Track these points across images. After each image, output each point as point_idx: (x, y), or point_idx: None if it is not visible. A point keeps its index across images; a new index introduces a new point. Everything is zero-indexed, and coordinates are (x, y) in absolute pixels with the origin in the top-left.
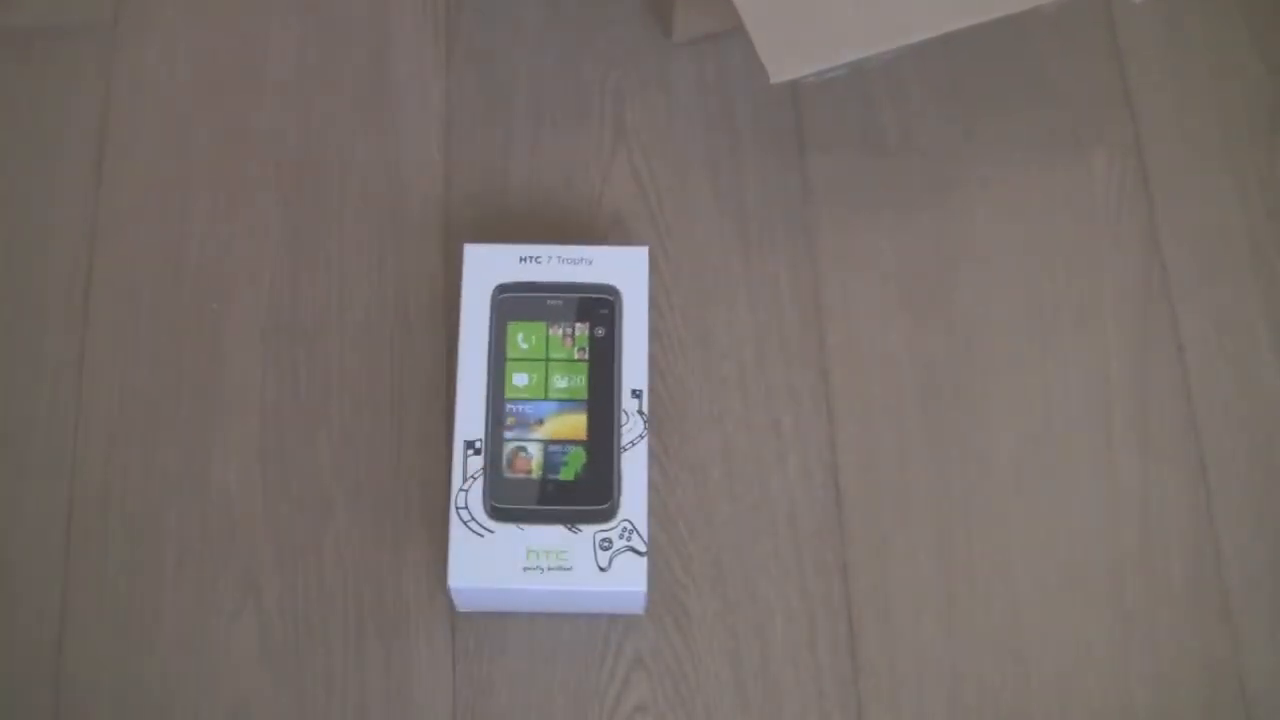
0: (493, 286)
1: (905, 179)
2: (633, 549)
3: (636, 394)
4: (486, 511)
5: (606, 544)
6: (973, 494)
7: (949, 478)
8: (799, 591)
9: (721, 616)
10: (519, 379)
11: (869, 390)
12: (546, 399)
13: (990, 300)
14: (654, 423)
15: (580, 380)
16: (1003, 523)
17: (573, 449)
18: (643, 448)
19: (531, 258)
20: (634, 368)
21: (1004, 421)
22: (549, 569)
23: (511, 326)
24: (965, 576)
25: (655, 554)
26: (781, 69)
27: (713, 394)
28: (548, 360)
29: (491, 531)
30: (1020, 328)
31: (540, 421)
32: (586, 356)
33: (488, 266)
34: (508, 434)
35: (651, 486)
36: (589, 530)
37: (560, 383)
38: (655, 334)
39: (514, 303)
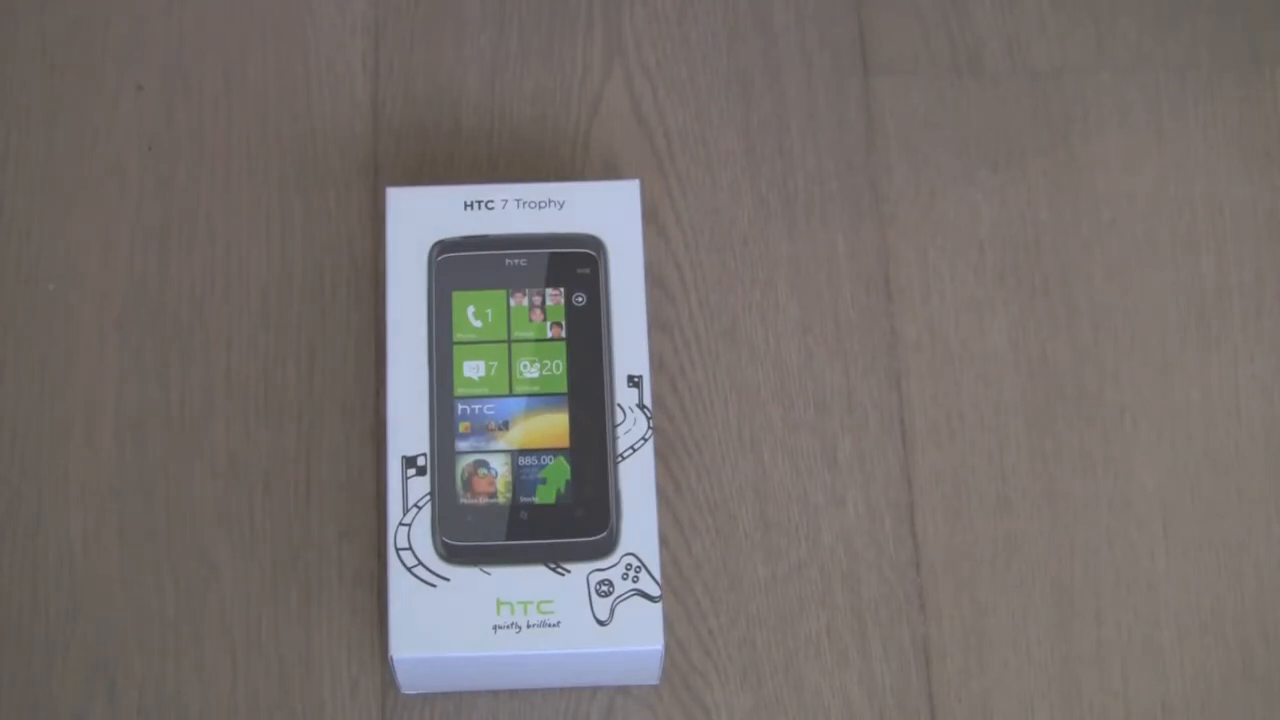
0: (430, 244)
1: (1010, 111)
2: (642, 593)
3: (635, 381)
4: (438, 552)
5: (605, 588)
6: (1104, 548)
7: (1070, 525)
8: (862, 684)
9: (755, 717)
10: (472, 369)
11: (958, 404)
12: (512, 394)
13: (1128, 280)
14: (663, 445)
15: (557, 367)
16: (1147, 589)
17: (552, 460)
18: (647, 454)
19: (480, 202)
20: (629, 346)
21: (1148, 448)
22: (529, 627)
23: (458, 297)
24: (1094, 664)
25: (665, 628)
26: None
27: (743, 409)
28: (510, 341)
29: (446, 579)
30: (1171, 318)
31: (505, 425)
32: (563, 334)
33: (421, 217)
34: (462, 444)
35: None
36: (580, 570)
37: (529, 371)
38: (663, 325)
39: (460, 265)
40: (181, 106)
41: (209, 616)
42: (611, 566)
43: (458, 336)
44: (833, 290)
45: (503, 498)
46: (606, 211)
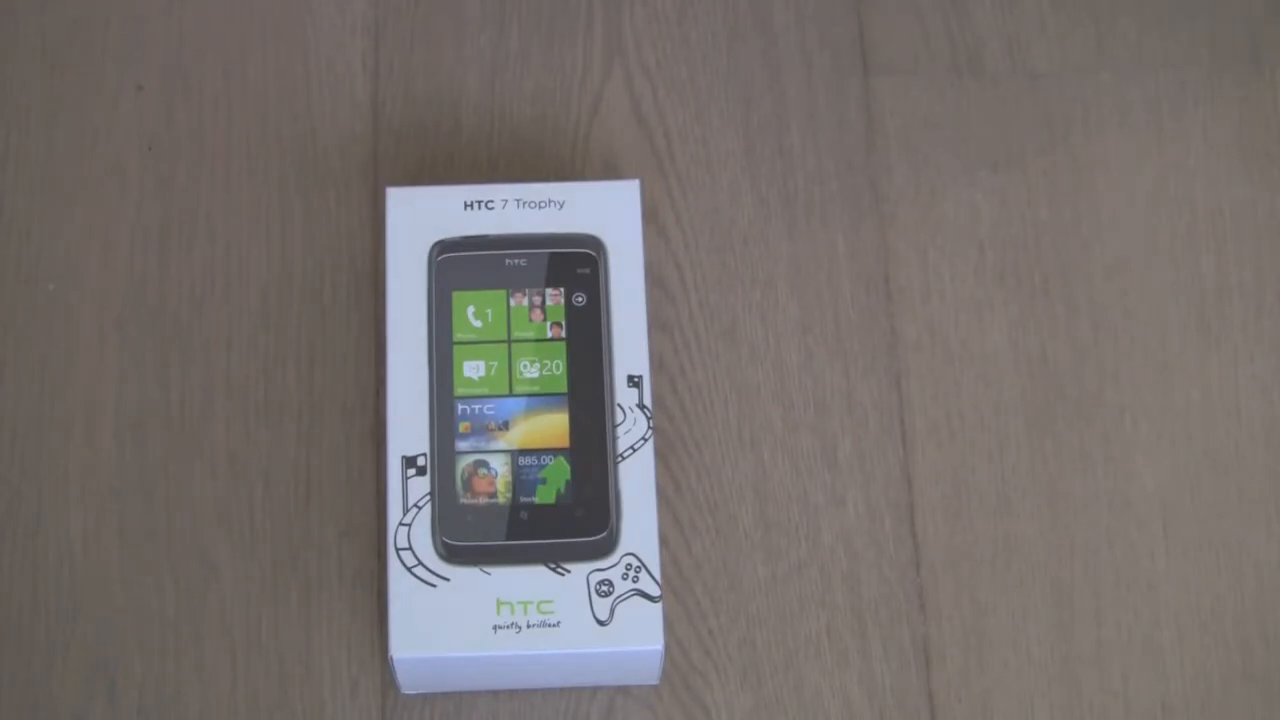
0: (430, 244)
1: (1010, 111)
2: (642, 593)
3: (635, 381)
4: (438, 552)
5: (605, 588)
6: (1104, 549)
7: (1070, 525)
8: (862, 684)
9: (755, 717)
10: (472, 369)
11: (958, 404)
12: (512, 394)
13: (1128, 280)
14: (663, 445)
15: (557, 367)
16: (1147, 589)
17: (552, 460)
18: (647, 454)
19: (480, 202)
20: (629, 346)
21: (1148, 448)
22: (529, 627)
23: (458, 297)
24: (1094, 664)
25: (665, 629)
26: None
27: (742, 409)
28: (510, 341)
29: (446, 579)
30: (1171, 318)
31: (505, 425)
32: (563, 334)
33: (421, 217)
34: (462, 444)
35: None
36: (580, 570)
37: (529, 371)
38: (663, 325)
39: (460, 265)
40: (181, 106)
41: (209, 616)
42: (611, 566)
43: (458, 336)
44: (833, 290)
45: (503, 498)
46: (606, 211)
